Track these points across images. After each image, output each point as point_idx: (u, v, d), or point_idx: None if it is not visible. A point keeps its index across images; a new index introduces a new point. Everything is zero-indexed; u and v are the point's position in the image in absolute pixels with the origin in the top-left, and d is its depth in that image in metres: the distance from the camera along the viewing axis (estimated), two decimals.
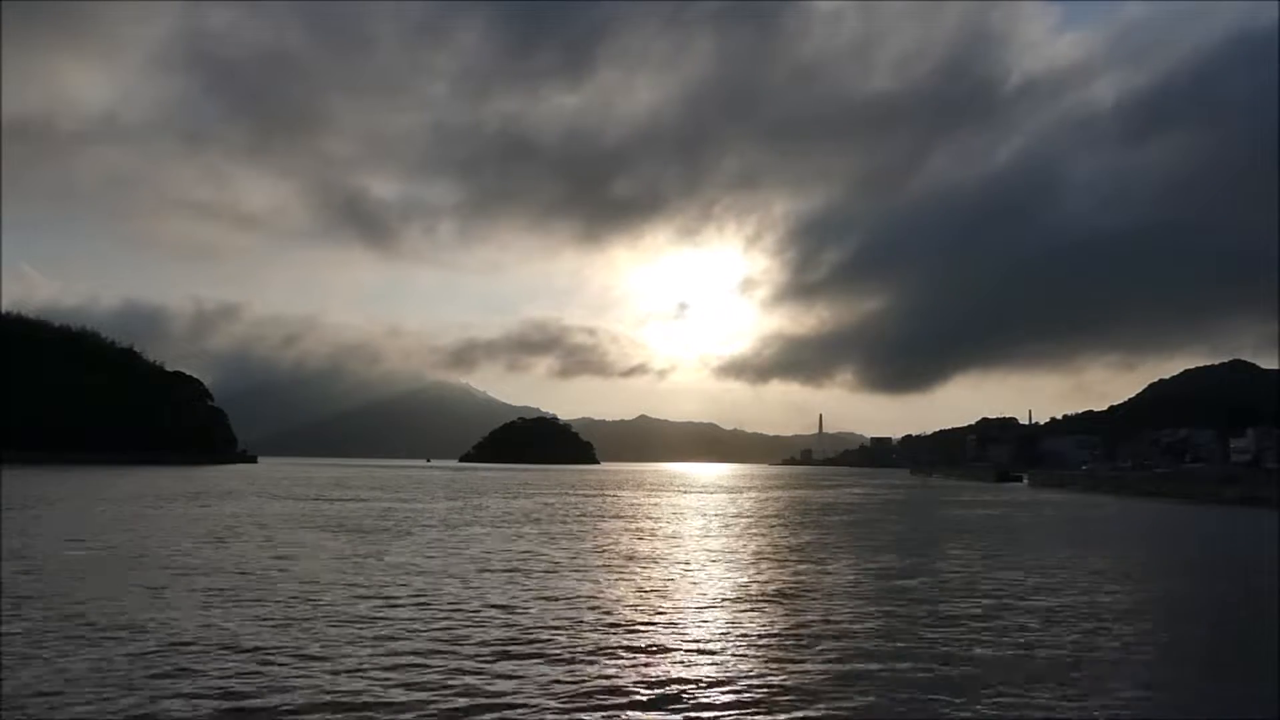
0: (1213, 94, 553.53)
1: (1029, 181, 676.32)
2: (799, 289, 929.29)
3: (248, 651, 13.64)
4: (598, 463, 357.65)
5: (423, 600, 18.73)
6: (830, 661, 13.89)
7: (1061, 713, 11.49)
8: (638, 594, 20.39)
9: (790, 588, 21.88)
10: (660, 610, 18.24)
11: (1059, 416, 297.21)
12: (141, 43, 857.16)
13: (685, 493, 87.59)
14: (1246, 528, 48.64)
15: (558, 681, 12.40)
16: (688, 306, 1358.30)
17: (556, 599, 19.34)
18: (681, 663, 13.71)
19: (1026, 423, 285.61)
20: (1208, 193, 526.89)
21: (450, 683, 12.23)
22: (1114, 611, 19.20)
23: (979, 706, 11.61)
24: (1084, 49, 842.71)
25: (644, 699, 11.71)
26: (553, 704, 11.35)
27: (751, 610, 18.55)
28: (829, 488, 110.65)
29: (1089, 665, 14.11)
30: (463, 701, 11.43)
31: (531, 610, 17.85)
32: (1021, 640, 15.84)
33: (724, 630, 16.34)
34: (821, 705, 11.57)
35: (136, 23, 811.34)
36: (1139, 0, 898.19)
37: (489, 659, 13.66)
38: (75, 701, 10.94)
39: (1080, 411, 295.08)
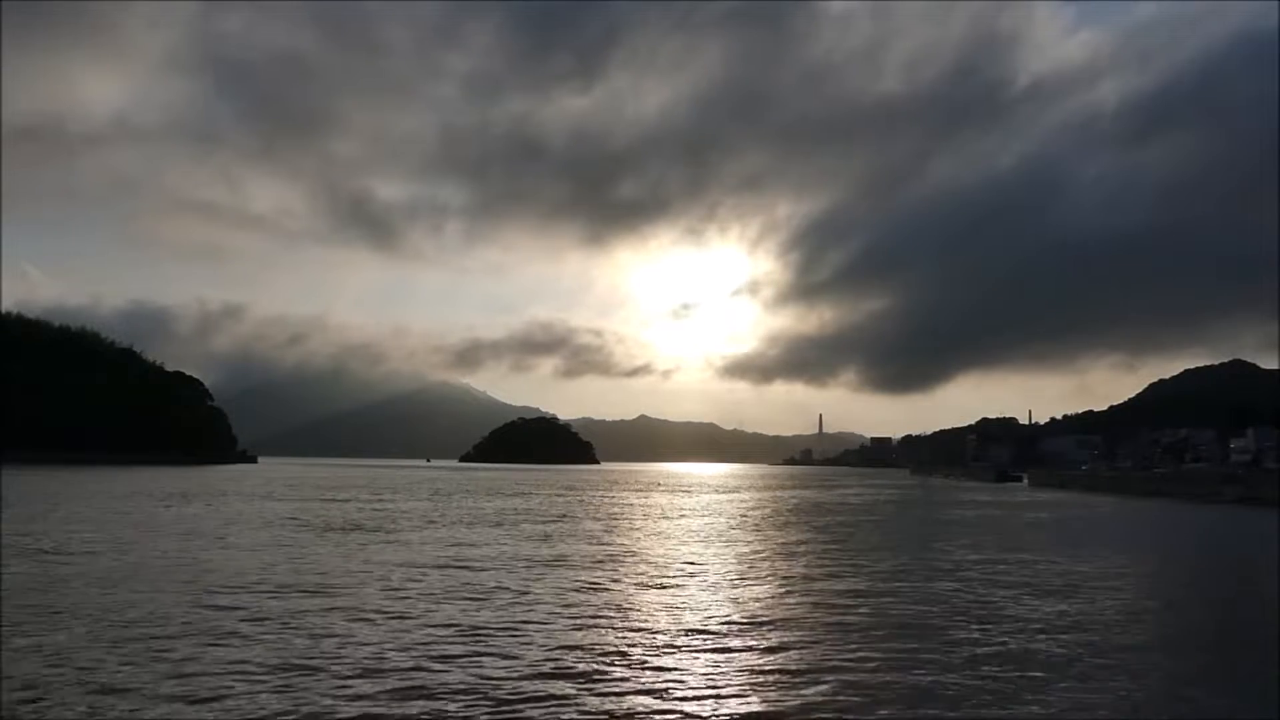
0: (1215, 96, 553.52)
1: (1032, 182, 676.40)
2: (802, 290, 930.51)
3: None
4: (598, 463, 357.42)
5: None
6: (827, 667, 13.56)
7: (1061, 713, 11.26)
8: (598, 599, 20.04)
9: (779, 590, 21.55)
10: (623, 622, 17.87)
11: (1059, 416, 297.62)
12: (155, 45, 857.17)
13: (679, 492, 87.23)
14: (1246, 528, 48.31)
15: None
16: (692, 307, 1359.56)
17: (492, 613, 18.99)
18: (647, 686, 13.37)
19: (1026, 423, 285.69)
20: (1209, 194, 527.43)
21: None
22: (1114, 611, 18.97)
23: (979, 708, 11.37)
24: (1090, 50, 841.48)
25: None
26: None
27: (729, 625, 18.21)
28: (827, 488, 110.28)
29: (1088, 665, 13.87)
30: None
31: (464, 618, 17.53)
32: (1019, 640, 15.55)
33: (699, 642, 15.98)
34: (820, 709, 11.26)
35: (150, 26, 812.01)
36: (1150, 0, 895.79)
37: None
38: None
39: (1080, 411, 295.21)
